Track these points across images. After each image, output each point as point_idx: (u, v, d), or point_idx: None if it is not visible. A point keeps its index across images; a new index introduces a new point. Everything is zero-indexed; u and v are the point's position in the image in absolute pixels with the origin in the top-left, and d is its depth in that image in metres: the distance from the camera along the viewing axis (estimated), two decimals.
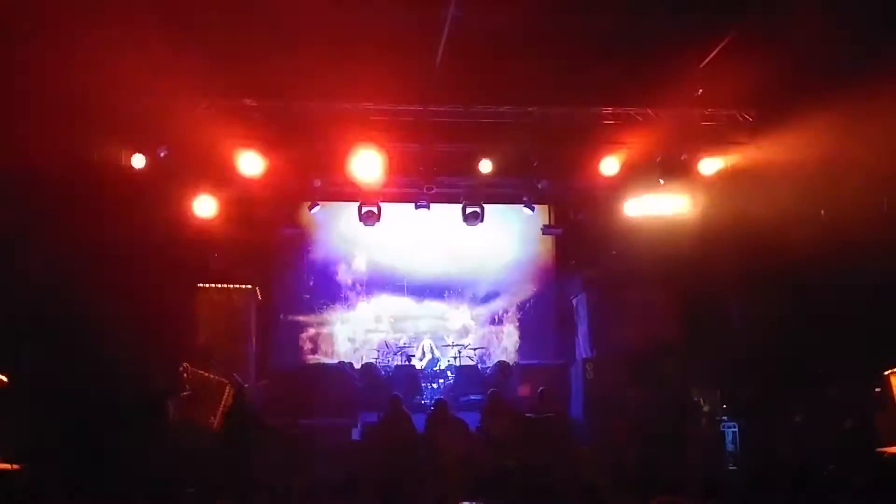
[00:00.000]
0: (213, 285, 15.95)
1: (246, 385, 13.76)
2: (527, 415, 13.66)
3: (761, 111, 14.82)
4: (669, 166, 15.55)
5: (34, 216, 13.02)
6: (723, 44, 12.79)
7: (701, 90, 14.45)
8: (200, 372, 13.79)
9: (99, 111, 13.76)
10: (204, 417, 13.45)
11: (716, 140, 15.31)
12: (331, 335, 19.23)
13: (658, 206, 15.92)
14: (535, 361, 18.33)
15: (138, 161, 14.61)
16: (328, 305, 19.36)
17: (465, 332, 19.44)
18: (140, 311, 13.84)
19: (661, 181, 15.64)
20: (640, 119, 15.18)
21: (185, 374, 13.76)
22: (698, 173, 15.52)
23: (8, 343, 12.17)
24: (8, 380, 11.31)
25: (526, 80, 14.04)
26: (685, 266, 15.55)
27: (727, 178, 15.30)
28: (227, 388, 13.66)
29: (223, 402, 13.50)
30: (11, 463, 10.40)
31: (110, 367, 13.08)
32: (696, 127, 15.19)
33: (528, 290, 19.68)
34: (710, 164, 15.45)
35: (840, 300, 13.17)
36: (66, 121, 12.25)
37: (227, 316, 15.74)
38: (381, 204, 17.53)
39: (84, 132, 13.21)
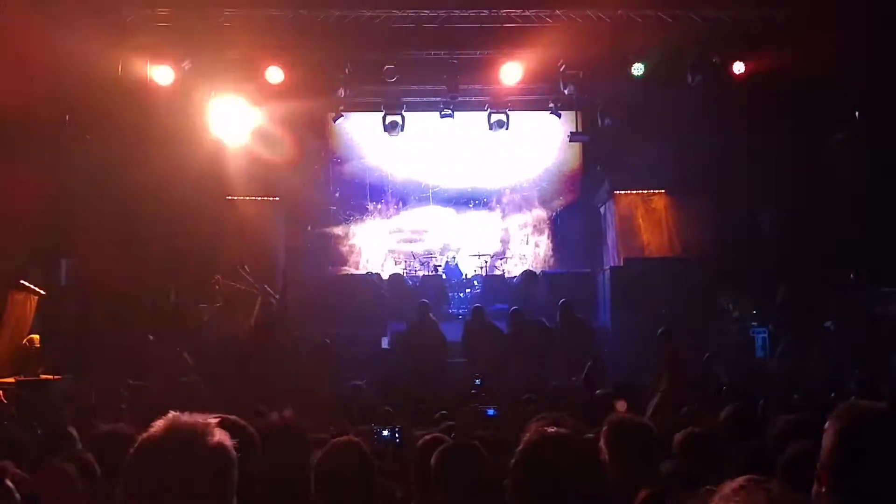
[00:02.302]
0: (241, 197, 16.00)
1: (276, 296, 13.89)
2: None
3: (796, 11, 14.40)
4: (700, 69, 15.20)
5: (66, 131, 13.10)
6: None
7: None
8: (231, 283, 13.94)
9: (120, 23, 13.69)
10: (235, 328, 13.64)
11: (749, 42, 14.91)
12: (358, 246, 19.31)
13: (688, 110, 15.65)
14: (563, 270, 18.36)
15: (163, 74, 14.55)
16: (354, 217, 19.39)
17: (491, 241, 19.43)
18: (171, 223, 13.99)
19: (692, 83, 15.32)
20: (670, 20, 14.78)
21: (216, 286, 13.91)
22: (731, 75, 15.16)
23: (45, 256, 12.37)
24: (45, 292, 11.51)
25: None
26: (717, 170, 15.36)
27: (760, 80, 14.95)
28: (258, 299, 13.81)
29: (254, 314, 13.67)
30: (51, 373, 10.66)
31: (142, 280, 13.28)
32: (728, 28, 14.79)
33: (554, 199, 19.58)
34: (742, 67, 15.08)
35: (874, 206, 13.02)
36: (89, 34, 12.16)
37: (256, 228, 15.81)
38: (405, 113, 17.44)
39: (108, 45, 13.14)
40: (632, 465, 3.68)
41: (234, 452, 2.28)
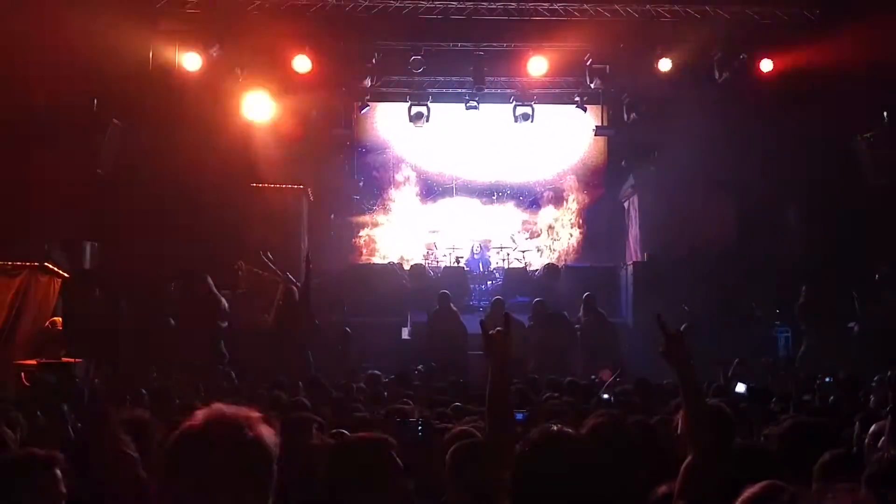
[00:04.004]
0: (266, 185, 16.06)
1: (298, 284, 13.95)
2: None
3: (825, 8, 14.30)
4: (727, 65, 15.12)
5: (94, 115, 13.22)
6: None
7: None
8: (255, 270, 14.01)
9: (150, 10, 13.79)
10: (258, 315, 13.73)
11: (777, 39, 14.82)
12: (380, 235, 19.34)
13: (714, 105, 15.58)
14: (585, 264, 18.31)
15: (191, 60, 14.64)
16: (378, 206, 19.42)
17: (514, 233, 19.41)
18: (196, 209, 14.08)
19: (719, 80, 15.25)
20: (698, 17, 14.73)
21: (239, 273, 13.99)
22: (758, 72, 15.08)
23: (70, 239, 12.50)
24: (70, 275, 11.60)
25: None
26: (742, 167, 15.26)
27: (788, 78, 14.86)
28: (280, 286, 13.87)
29: (276, 301, 13.73)
30: (74, 356, 10.74)
31: (167, 265, 13.37)
32: (755, 25, 14.71)
33: (578, 193, 19.51)
34: (770, 64, 14.99)
35: None
36: (119, 20, 12.27)
37: (280, 216, 15.87)
38: (431, 104, 17.47)
39: (138, 31, 13.26)
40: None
41: (274, 448, 2.26)
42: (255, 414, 2.28)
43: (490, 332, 3.81)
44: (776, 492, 2.42)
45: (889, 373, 8.11)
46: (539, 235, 19.52)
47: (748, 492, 2.49)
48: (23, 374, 10.35)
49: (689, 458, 3.41)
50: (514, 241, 19.14)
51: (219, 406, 2.27)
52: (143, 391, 7.46)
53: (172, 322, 12.62)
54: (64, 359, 10.75)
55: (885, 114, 13.70)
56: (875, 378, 8.17)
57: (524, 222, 19.59)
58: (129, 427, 4.45)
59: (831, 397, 7.59)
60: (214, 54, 14.71)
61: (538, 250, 19.31)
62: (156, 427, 4.80)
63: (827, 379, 8.58)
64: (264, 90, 15.46)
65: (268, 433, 2.26)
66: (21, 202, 11.91)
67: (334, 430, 5.24)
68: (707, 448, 3.37)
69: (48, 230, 12.03)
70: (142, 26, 13.38)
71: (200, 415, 2.24)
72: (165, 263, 13.46)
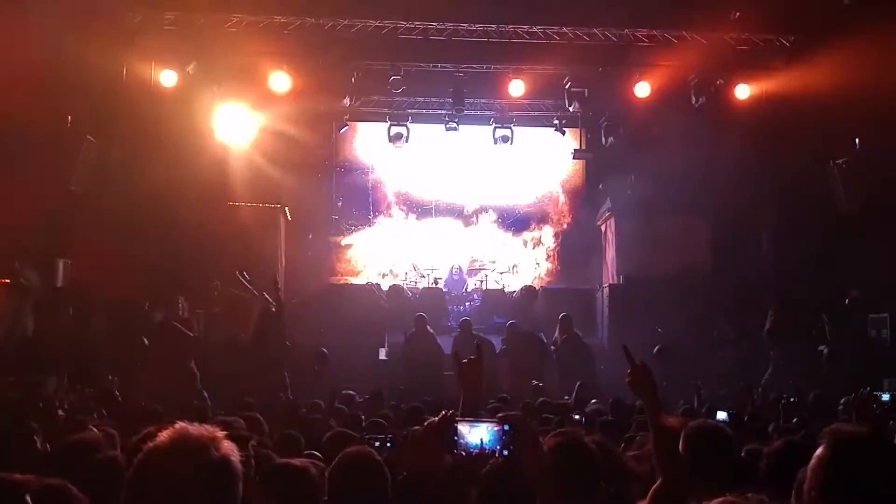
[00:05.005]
0: (242, 204, 15.99)
1: (274, 304, 13.86)
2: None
3: (799, 36, 14.50)
4: (704, 90, 15.27)
5: (68, 132, 13.12)
6: None
7: (738, 13, 14.17)
8: (231, 290, 13.92)
9: (127, 26, 13.75)
10: (234, 335, 13.62)
11: (752, 65, 15.00)
12: (358, 256, 19.30)
13: (691, 131, 15.71)
14: (562, 286, 18.35)
15: (167, 77, 14.59)
16: (356, 226, 19.39)
17: (492, 255, 19.42)
18: (173, 228, 13.99)
19: (696, 105, 15.39)
20: (675, 42, 14.89)
21: (215, 293, 13.89)
22: (734, 98, 15.24)
23: (42, 256, 12.38)
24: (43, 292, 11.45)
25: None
26: (717, 192, 15.39)
27: (762, 103, 15.03)
28: (257, 305, 13.78)
29: (253, 321, 13.63)
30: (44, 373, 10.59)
31: (141, 284, 13.26)
32: (732, 51, 14.88)
33: (556, 215, 19.59)
34: (745, 89, 15.16)
35: (872, 230, 13.03)
36: (94, 35, 12.22)
37: (257, 235, 15.81)
38: (410, 125, 17.51)
39: (114, 47, 13.20)
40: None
41: (239, 466, 2.23)
42: (221, 433, 2.24)
43: (463, 361, 3.85)
44: None
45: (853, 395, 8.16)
46: (517, 256, 19.51)
47: None
48: None
49: (658, 483, 3.43)
50: (491, 263, 19.14)
51: (183, 425, 2.23)
52: (105, 412, 7.35)
53: (146, 341, 12.48)
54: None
55: (856, 140, 13.88)
56: (842, 400, 8.21)
57: (502, 243, 19.59)
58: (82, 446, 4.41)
59: (794, 419, 7.63)
60: (191, 71, 14.68)
61: (518, 271, 19.28)
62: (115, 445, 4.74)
63: (792, 399, 8.63)
64: (241, 108, 15.42)
65: (233, 452, 2.23)
66: None
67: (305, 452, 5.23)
68: (673, 473, 3.40)
69: (20, 247, 11.89)
70: (117, 42, 13.31)
71: (166, 434, 2.20)
72: (139, 282, 13.35)
